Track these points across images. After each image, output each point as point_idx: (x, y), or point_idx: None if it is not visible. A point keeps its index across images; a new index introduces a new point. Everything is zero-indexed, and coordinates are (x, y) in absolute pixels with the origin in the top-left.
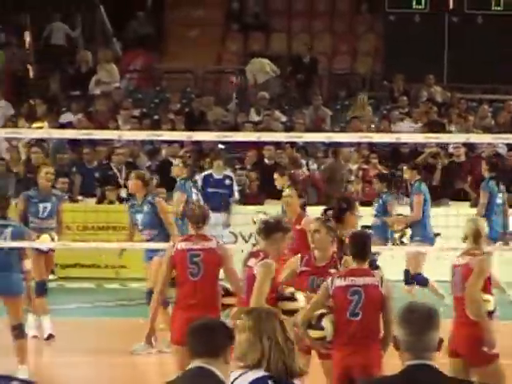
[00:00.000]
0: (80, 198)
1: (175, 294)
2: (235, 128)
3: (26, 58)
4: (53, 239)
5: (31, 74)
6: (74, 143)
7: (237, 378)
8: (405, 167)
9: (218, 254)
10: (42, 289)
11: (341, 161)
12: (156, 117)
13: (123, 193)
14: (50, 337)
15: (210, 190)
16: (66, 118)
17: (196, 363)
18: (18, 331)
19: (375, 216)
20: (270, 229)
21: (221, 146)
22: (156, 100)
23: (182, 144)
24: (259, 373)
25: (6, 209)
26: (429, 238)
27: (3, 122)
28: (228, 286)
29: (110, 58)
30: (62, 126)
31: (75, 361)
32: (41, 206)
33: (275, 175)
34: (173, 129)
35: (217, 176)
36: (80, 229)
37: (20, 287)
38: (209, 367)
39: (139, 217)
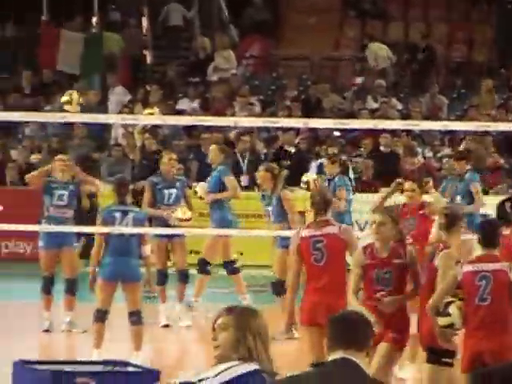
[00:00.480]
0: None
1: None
2: (351, 115)
3: (144, 43)
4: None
5: (148, 59)
6: (190, 129)
7: (225, 370)
8: None
9: (340, 238)
10: (162, 278)
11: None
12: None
13: (244, 180)
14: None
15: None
16: (183, 104)
17: (339, 354)
18: (136, 317)
19: None
20: (452, 220)
21: (336, 133)
22: (272, 87)
23: (297, 131)
24: (251, 367)
25: (125, 195)
26: None
27: (120, 107)
28: None
29: (227, 45)
30: (178, 113)
31: (197, 349)
32: (166, 192)
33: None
34: (289, 116)
35: None
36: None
37: (138, 273)
38: (354, 359)
39: (270, 209)
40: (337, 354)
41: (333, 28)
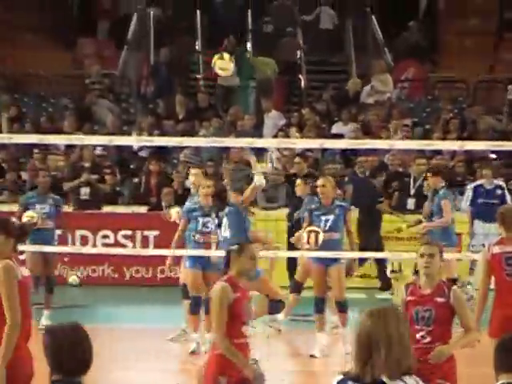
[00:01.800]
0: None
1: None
2: (506, 137)
3: (298, 68)
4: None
5: (302, 83)
6: (345, 153)
7: None
8: None
9: None
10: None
11: None
12: (427, 126)
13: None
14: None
15: (480, 200)
16: (338, 128)
17: (506, 379)
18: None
19: None
20: None
21: (492, 155)
22: (428, 109)
23: (453, 154)
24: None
25: None
26: None
27: (274, 131)
28: None
29: (384, 68)
30: (334, 136)
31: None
32: (323, 218)
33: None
34: (444, 138)
35: (488, 186)
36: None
37: None
38: None
39: None
40: (505, 379)
41: (488, 51)
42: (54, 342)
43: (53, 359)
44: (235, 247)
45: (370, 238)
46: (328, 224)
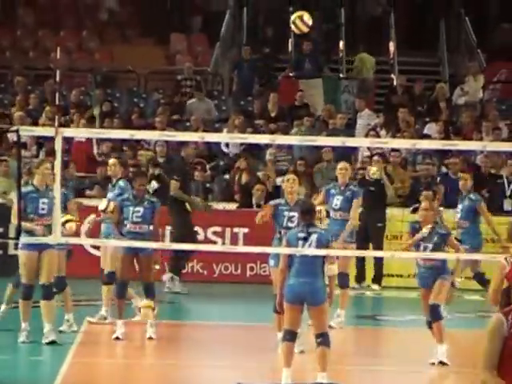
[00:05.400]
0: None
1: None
2: None
3: (391, 68)
4: None
5: (395, 82)
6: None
7: None
8: None
9: None
10: None
11: None
12: None
13: (506, 205)
14: None
15: None
16: (430, 129)
17: None
18: (322, 339)
19: None
20: None
21: None
22: None
23: None
24: None
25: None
26: None
27: (366, 131)
28: None
29: (477, 70)
30: (424, 137)
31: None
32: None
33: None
34: None
35: None
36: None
37: (324, 295)
38: None
39: None
40: None
41: None
42: None
43: None
44: None
45: None
46: None
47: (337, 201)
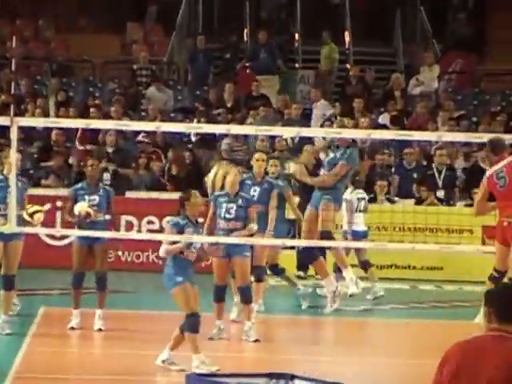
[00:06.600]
0: (397, 198)
1: None
2: None
3: (346, 58)
4: None
5: (350, 73)
6: (390, 144)
7: None
8: None
9: None
10: None
11: None
12: (474, 118)
13: (440, 194)
14: None
15: None
16: (383, 118)
17: None
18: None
19: None
20: None
21: None
22: (475, 102)
23: None
24: None
25: None
26: None
27: (320, 121)
28: None
29: (432, 60)
30: (378, 127)
31: (379, 361)
32: None
33: None
34: (491, 131)
35: None
36: (397, 230)
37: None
38: None
39: None
40: None
41: None
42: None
43: None
44: None
45: None
46: None
47: (254, 192)
